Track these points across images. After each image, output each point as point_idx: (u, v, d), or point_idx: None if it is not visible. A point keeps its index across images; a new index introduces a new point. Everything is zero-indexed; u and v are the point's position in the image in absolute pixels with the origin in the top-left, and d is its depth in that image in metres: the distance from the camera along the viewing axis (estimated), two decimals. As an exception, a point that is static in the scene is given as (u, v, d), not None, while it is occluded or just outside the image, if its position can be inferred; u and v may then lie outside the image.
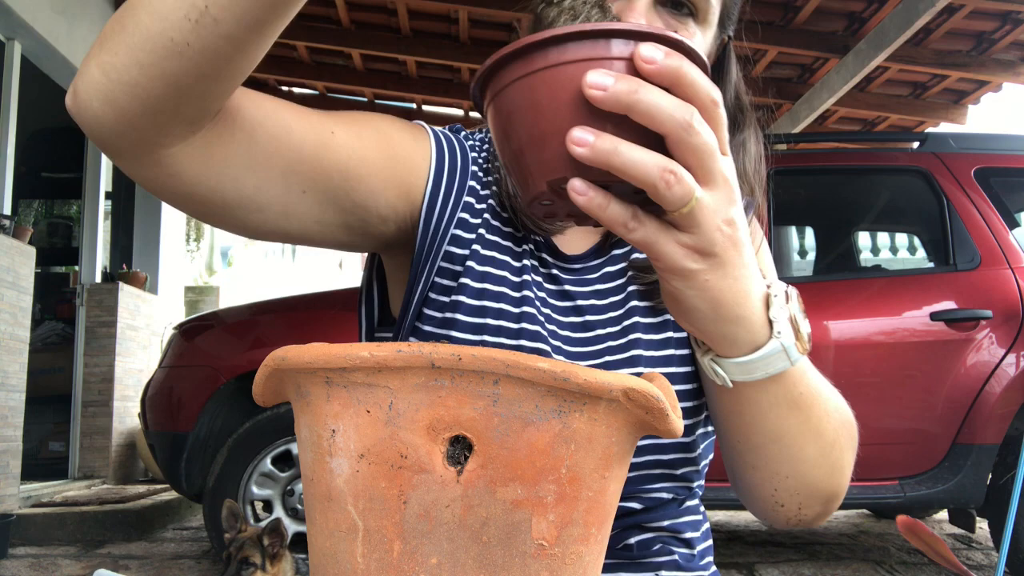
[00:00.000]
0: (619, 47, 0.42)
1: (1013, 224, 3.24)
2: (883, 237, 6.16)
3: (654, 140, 0.43)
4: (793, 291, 0.56)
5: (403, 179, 0.73)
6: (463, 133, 0.86)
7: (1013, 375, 3.01)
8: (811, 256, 4.35)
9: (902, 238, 5.91)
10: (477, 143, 0.86)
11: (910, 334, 3.09)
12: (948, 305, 3.10)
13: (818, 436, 0.62)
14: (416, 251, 0.76)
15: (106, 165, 5.61)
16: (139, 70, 0.52)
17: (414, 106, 6.86)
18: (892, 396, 3.06)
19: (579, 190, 0.43)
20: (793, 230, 4.59)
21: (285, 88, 6.84)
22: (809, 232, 4.52)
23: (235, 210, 0.64)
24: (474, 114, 6.67)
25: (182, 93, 0.54)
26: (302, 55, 6.00)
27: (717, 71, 0.81)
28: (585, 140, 0.42)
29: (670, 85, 0.43)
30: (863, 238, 5.56)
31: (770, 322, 0.54)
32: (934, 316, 3.09)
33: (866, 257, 5.58)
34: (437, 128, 0.82)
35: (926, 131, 4.94)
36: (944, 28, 4.79)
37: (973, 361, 3.04)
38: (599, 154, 0.42)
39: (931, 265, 3.51)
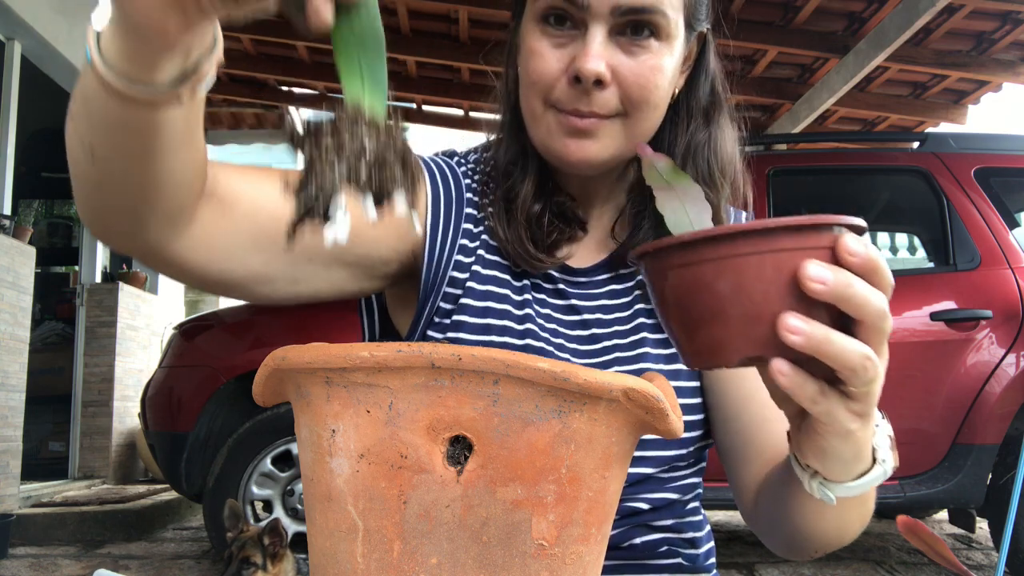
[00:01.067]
0: (821, 238, 0.45)
1: (1013, 224, 3.24)
2: (883, 237, 6.17)
3: (840, 319, 0.46)
4: (881, 413, 0.59)
5: (401, 222, 0.74)
6: (456, 158, 0.86)
7: (1013, 375, 3.01)
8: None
9: (902, 238, 5.91)
10: (471, 164, 0.86)
11: (910, 334, 3.09)
12: (948, 305, 3.10)
13: (864, 516, 0.67)
14: (423, 282, 0.78)
15: (106, 165, 5.60)
16: (85, 201, 0.58)
17: (414, 106, 6.85)
18: (892, 396, 3.05)
19: (784, 372, 0.46)
20: (793, 230, 4.58)
21: (285, 88, 6.84)
22: (809, 232, 4.51)
23: (247, 286, 0.68)
24: (474, 114, 6.67)
25: (135, 210, 0.58)
26: (302, 55, 6.00)
27: (696, 64, 0.82)
28: (800, 329, 0.44)
29: (866, 273, 0.46)
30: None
31: (873, 448, 0.57)
32: (934, 316, 3.08)
33: (866, 257, 5.57)
34: (428, 157, 0.83)
35: (926, 131, 4.94)
36: (944, 28, 4.78)
37: (973, 361, 3.04)
38: (812, 343, 0.44)
39: (931, 265, 3.51)
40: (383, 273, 0.76)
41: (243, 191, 0.65)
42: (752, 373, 0.80)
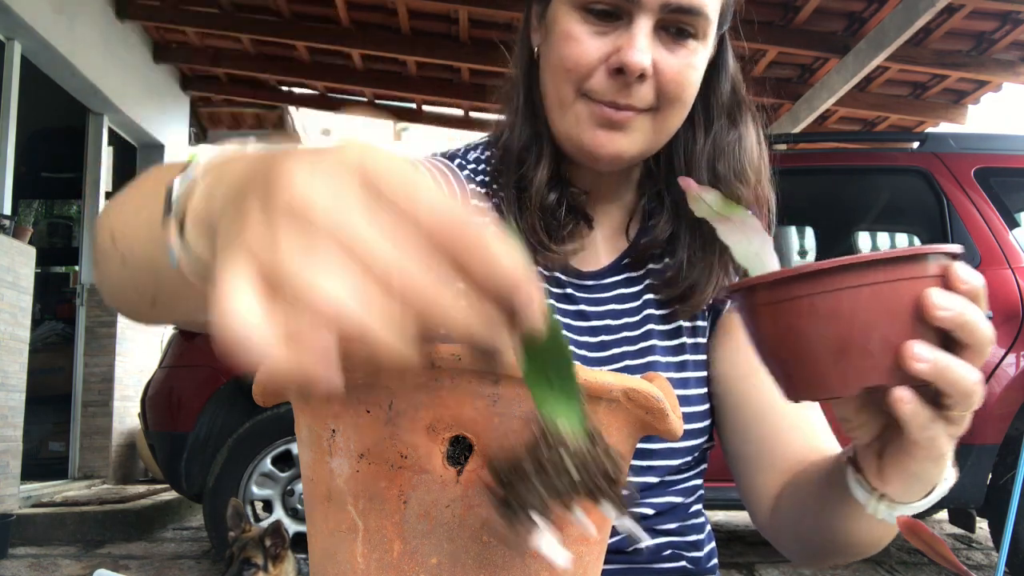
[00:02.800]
0: (930, 267, 0.46)
1: (1013, 224, 3.24)
2: (883, 237, 6.16)
3: (940, 342, 0.47)
4: None
5: None
6: (456, 160, 0.85)
7: (1013, 375, 3.01)
8: (811, 256, 4.34)
9: (902, 238, 5.90)
10: (472, 164, 0.84)
11: (910, 334, 3.08)
12: (948, 305, 3.10)
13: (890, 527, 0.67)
14: None
15: (106, 165, 5.61)
16: (126, 302, 0.55)
17: (414, 106, 6.85)
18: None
19: (907, 400, 0.47)
20: (793, 230, 4.58)
21: (285, 88, 6.84)
22: (809, 232, 4.52)
23: None
24: (474, 114, 6.67)
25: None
26: (302, 55, 6.00)
27: (714, 65, 0.81)
28: (926, 357, 0.45)
29: (974, 300, 0.47)
30: (863, 238, 5.55)
31: None
32: (934, 316, 3.08)
33: (866, 257, 5.56)
34: (428, 161, 0.81)
35: (926, 131, 4.94)
36: (944, 28, 4.78)
37: (973, 361, 3.04)
38: (936, 370, 0.45)
39: (931, 265, 3.50)
40: None
41: None
42: (770, 384, 0.80)
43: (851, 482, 0.58)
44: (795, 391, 0.50)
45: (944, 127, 5.92)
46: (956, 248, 0.48)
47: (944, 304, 0.45)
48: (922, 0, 4.04)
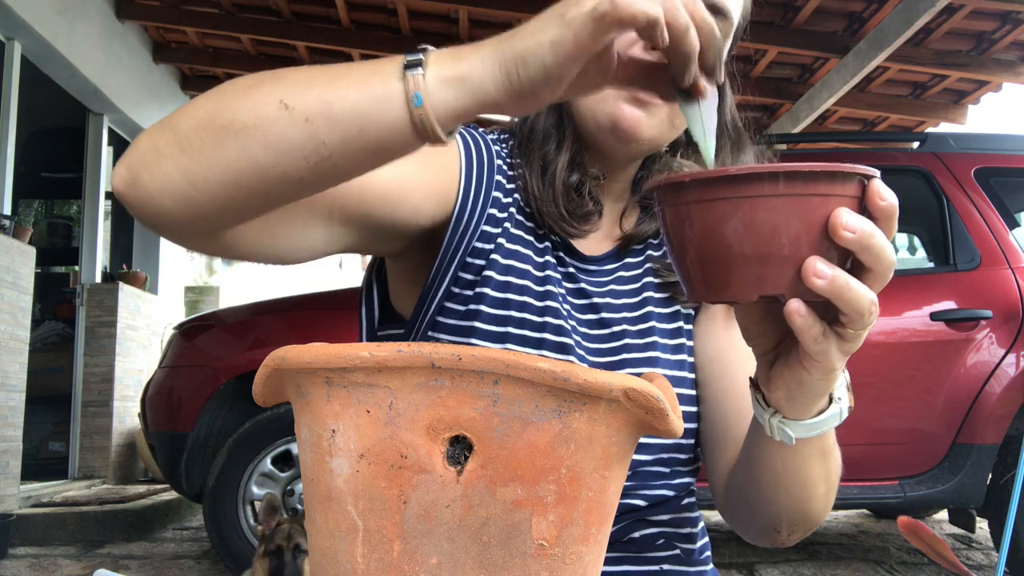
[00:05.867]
0: (848, 187, 0.47)
1: (1013, 224, 3.24)
2: (883, 237, 6.15)
3: (845, 260, 0.49)
4: None
5: (440, 188, 0.75)
6: (480, 130, 0.87)
7: (1013, 375, 3.01)
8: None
9: (902, 238, 5.90)
10: (495, 141, 0.87)
11: (910, 334, 3.09)
12: (948, 305, 3.10)
13: (828, 477, 0.68)
14: (442, 249, 0.77)
15: (106, 165, 5.61)
16: (237, 189, 0.55)
17: (414, 106, 6.85)
18: (892, 396, 3.06)
19: (801, 313, 0.49)
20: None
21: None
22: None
23: (281, 253, 0.67)
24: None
25: (277, 205, 0.58)
26: (302, 55, 6.00)
27: (719, 88, 0.84)
28: (825, 274, 0.47)
29: (886, 219, 0.49)
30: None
31: None
32: (934, 316, 3.08)
33: (866, 257, 5.57)
34: (461, 128, 0.83)
35: (926, 131, 4.94)
36: (944, 28, 4.79)
37: (973, 361, 3.04)
38: (834, 288, 0.47)
39: (931, 265, 3.51)
40: (411, 235, 0.75)
41: None
42: (737, 367, 0.82)
43: (752, 403, 0.61)
44: (698, 292, 0.51)
45: (944, 127, 5.92)
46: (875, 172, 0.48)
47: (851, 225, 0.46)
48: (922, 0, 4.04)
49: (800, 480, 0.66)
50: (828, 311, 0.50)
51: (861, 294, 0.48)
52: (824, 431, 0.60)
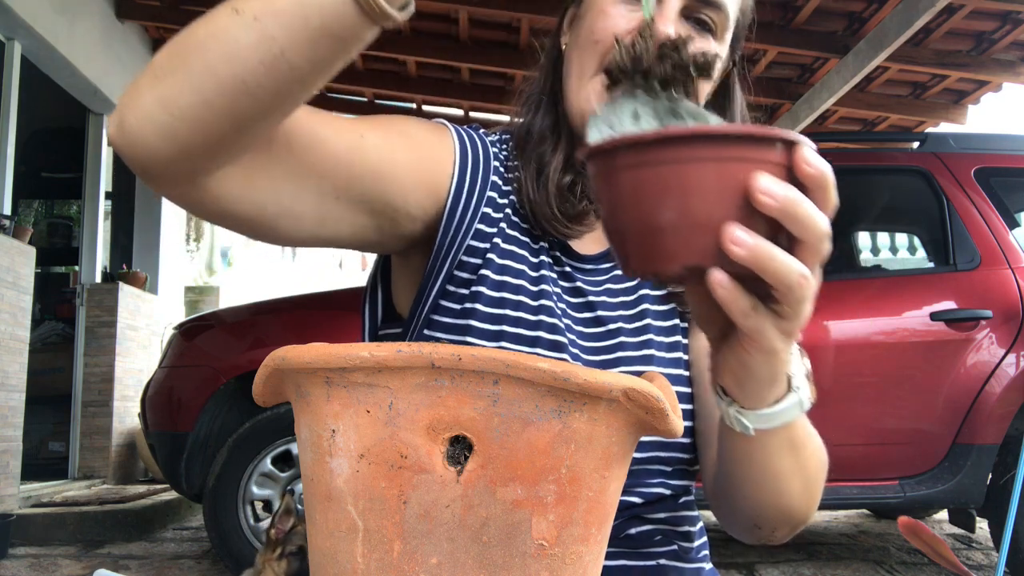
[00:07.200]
0: (774, 153, 0.44)
1: (1013, 224, 3.24)
2: (883, 237, 6.16)
3: (778, 236, 0.46)
4: (798, 347, 0.60)
5: (431, 177, 0.75)
6: (480, 131, 0.88)
7: (1013, 375, 3.01)
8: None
9: (902, 238, 5.90)
10: (494, 142, 0.87)
11: (910, 334, 3.09)
12: (948, 305, 3.10)
13: (804, 472, 0.67)
14: (437, 244, 0.77)
15: (106, 165, 5.61)
16: (206, 108, 0.54)
17: (414, 106, 6.84)
18: (892, 396, 3.06)
19: (723, 284, 0.46)
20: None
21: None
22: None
23: (273, 221, 0.66)
24: (474, 114, 6.66)
25: (246, 128, 0.56)
26: (302, 55, 5.99)
27: (724, 95, 0.84)
28: (744, 242, 0.44)
29: (817, 188, 0.45)
30: (863, 238, 5.55)
31: (788, 377, 0.57)
32: (934, 316, 3.08)
33: (866, 257, 5.57)
34: (458, 126, 0.84)
35: (926, 131, 4.94)
36: (944, 28, 4.78)
37: (973, 361, 3.04)
38: (754, 256, 0.44)
39: (931, 265, 3.51)
40: (408, 231, 0.76)
41: (307, 124, 0.65)
42: None
43: (713, 393, 0.60)
44: (628, 264, 0.49)
45: (944, 127, 5.92)
46: (801, 138, 0.46)
47: (771, 191, 0.43)
48: (922, 0, 4.04)
49: (771, 473, 0.65)
50: (760, 285, 0.47)
51: (788, 265, 0.45)
52: (785, 422, 0.58)
